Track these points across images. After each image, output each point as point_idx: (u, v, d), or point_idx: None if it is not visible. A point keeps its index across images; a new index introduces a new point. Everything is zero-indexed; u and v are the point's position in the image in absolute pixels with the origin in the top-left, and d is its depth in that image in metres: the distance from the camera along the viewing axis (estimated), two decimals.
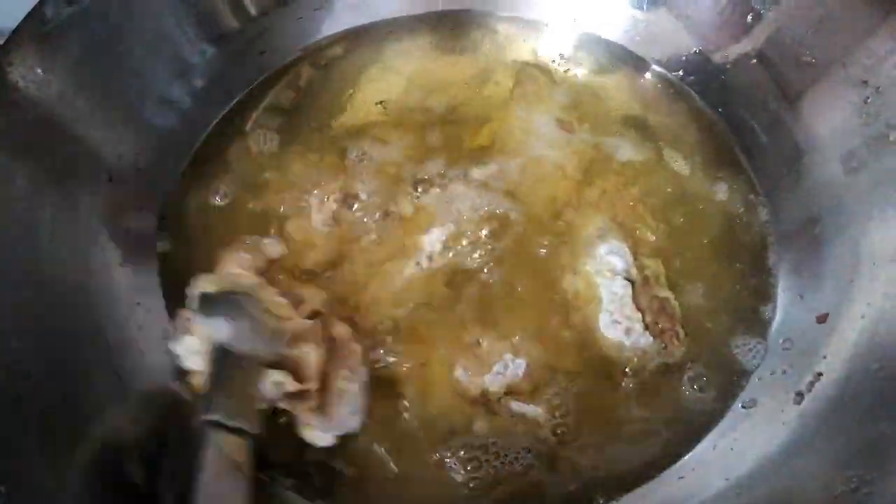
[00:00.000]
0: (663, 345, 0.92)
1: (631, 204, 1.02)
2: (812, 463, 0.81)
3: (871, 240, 0.91)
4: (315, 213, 1.02)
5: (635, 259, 0.97)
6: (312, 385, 0.81)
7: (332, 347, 0.85)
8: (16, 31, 0.85)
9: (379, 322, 0.93)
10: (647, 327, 0.92)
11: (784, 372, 0.91)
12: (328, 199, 1.02)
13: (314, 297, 0.90)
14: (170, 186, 1.04)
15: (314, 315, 0.88)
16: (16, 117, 0.85)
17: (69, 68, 0.91)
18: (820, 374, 0.88)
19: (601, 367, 0.91)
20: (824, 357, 0.89)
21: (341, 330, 0.87)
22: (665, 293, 0.95)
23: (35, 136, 0.87)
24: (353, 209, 1.02)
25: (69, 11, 0.90)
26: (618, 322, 0.92)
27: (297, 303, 0.87)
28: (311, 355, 0.81)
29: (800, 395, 0.88)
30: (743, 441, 0.87)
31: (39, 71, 0.87)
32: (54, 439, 0.75)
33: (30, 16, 0.87)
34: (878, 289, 0.88)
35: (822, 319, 0.92)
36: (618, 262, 0.96)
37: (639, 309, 0.93)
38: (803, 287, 0.96)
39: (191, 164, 1.07)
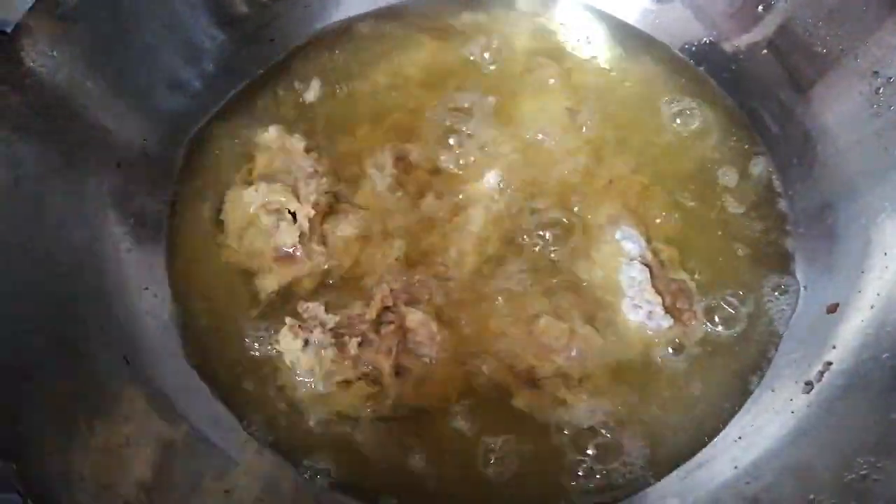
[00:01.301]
0: (683, 326, 0.92)
1: (642, 190, 1.02)
2: (821, 451, 0.81)
3: (882, 230, 0.91)
4: (378, 182, 1.02)
5: (649, 243, 0.97)
6: None
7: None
8: (29, 15, 0.85)
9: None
10: (666, 310, 0.92)
11: (794, 361, 0.91)
12: (386, 166, 1.03)
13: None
14: (180, 172, 1.04)
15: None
16: (27, 99, 0.85)
17: (81, 52, 0.91)
18: (829, 364, 0.88)
19: (631, 353, 0.92)
20: (834, 347, 0.89)
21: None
22: (681, 275, 0.96)
23: (46, 118, 0.88)
24: (409, 172, 1.04)
25: None
26: (639, 306, 0.92)
27: None
28: None
29: (809, 385, 0.87)
30: (752, 429, 0.87)
31: (51, 54, 0.87)
32: (64, 419, 0.76)
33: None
34: (888, 279, 0.88)
35: (832, 309, 0.92)
36: (632, 247, 0.96)
37: (658, 292, 0.93)
38: (815, 277, 0.96)
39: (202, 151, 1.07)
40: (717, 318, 0.94)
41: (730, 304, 0.95)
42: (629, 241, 0.96)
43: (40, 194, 0.86)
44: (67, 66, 0.90)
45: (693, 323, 0.93)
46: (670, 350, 0.92)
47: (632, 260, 0.95)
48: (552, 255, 0.97)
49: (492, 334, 0.92)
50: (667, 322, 0.92)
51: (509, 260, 0.97)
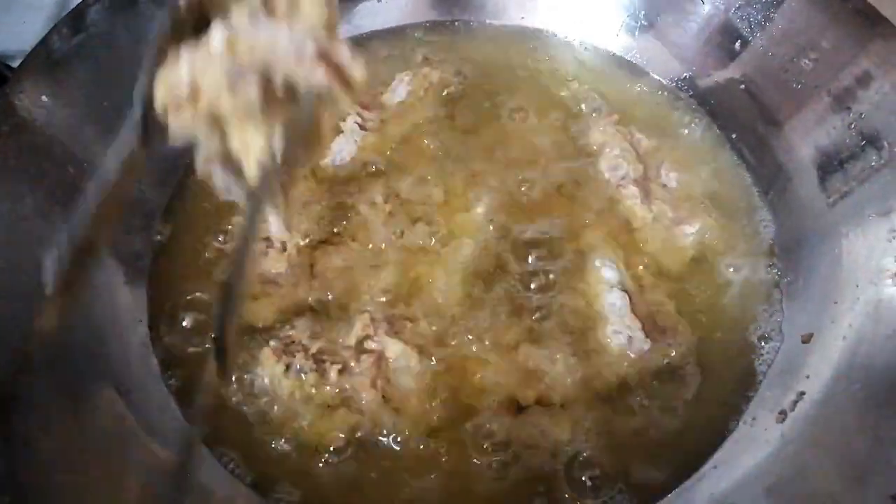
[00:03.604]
0: (667, 344, 0.94)
1: (620, 223, 1.05)
2: (792, 480, 0.82)
3: (854, 262, 0.93)
4: (369, 216, 1.05)
5: (629, 269, 1.00)
6: None
7: None
8: (25, 60, 0.89)
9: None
10: (647, 334, 0.94)
11: (769, 390, 0.93)
12: (377, 201, 1.06)
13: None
14: (173, 208, 1.08)
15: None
16: (25, 142, 0.89)
17: (76, 96, 0.95)
18: (803, 394, 0.89)
19: (611, 379, 0.93)
20: (807, 377, 0.90)
21: None
22: (660, 297, 0.98)
23: (43, 160, 0.91)
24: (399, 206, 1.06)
25: (76, 41, 0.94)
26: (619, 332, 0.94)
27: None
28: None
29: (783, 414, 0.89)
30: (728, 458, 0.89)
31: (46, 98, 0.91)
32: (57, 452, 0.78)
33: (38, 45, 0.91)
34: (860, 310, 0.90)
35: (806, 339, 0.93)
36: (611, 275, 0.98)
37: (638, 317, 0.95)
38: (789, 307, 0.98)
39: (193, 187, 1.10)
40: (699, 344, 0.96)
41: (715, 331, 0.97)
42: (608, 269, 0.99)
43: (38, 230, 0.89)
44: (65, 109, 0.94)
45: (673, 343, 0.95)
46: (652, 375, 0.93)
47: (612, 287, 0.97)
48: (534, 285, 1.00)
49: (473, 363, 0.94)
50: (647, 345, 0.93)
51: (493, 290, 0.99)
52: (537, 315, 0.97)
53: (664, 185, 1.08)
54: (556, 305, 0.98)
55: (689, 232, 1.03)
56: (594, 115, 1.16)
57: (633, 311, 0.96)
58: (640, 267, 1.01)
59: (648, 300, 0.98)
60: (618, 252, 1.01)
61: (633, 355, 0.94)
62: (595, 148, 1.11)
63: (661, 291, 1.00)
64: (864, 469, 0.77)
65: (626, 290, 0.97)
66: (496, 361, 0.94)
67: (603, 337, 0.95)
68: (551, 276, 1.00)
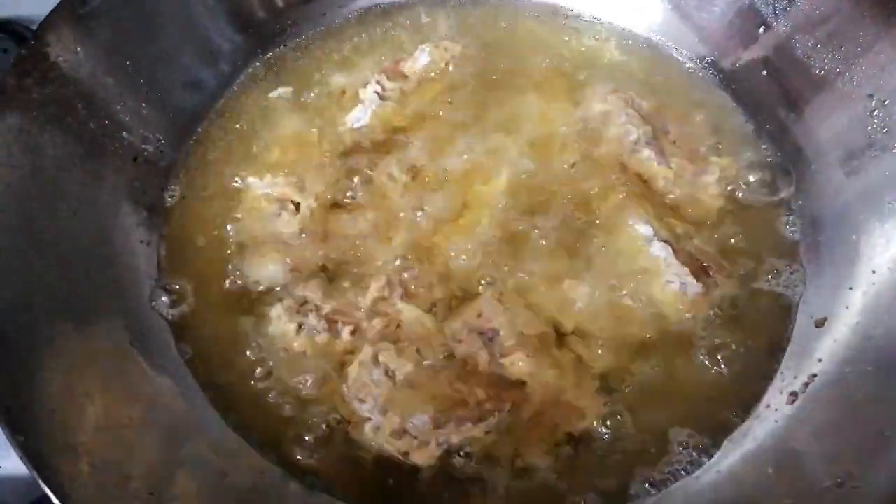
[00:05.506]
0: (714, 286, 0.95)
1: (641, 186, 1.05)
2: (801, 459, 0.83)
3: (871, 247, 0.94)
4: (387, 185, 1.05)
5: (660, 221, 1.00)
6: None
7: None
8: (54, 11, 0.89)
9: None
10: (696, 277, 0.94)
11: (781, 372, 0.93)
12: (395, 173, 1.05)
13: None
14: (191, 166, 1.08)
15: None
16: (50, 93, 0.90)
17: (102, 50, 0.96)
18: (814, 376, 0.90)
19: (669, 335, 0.94)
20: (819, 360, 0.91)
21: None
22: (696, 241, 0.99)
23: (67, 111, 0.92)
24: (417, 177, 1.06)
25: None
26: (671, 281, 0.95)
27: None
28: None
29: (794, 396, 0.89)
30: (738, 435, 0.89)
31: (75, 50, 0.92)
32: (69, 396, 0.79)
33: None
34: (874, 294, 0.91)
35: (820, 324, 0.94)
36: (646, 229, 0.98)
37: (683, 263, 0.95)
38: (804, 291, 0.98)
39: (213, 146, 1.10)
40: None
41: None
42: (642, 225, 0.98)
43: (58, 183, 0.90)
44: (90, 63, 0.94)
45: (723, 274, 0.96)
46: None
47: (650, 241, 0.97)
48: (570, 252, 0.99)
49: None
50: (699, 288, 0.94)
51: (521, 258, 0.98)
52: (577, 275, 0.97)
53: (674, 142, 1.08)
54: (593, 270, 0.98)
55: (711, 180, 1.04)
56: (595, 87, 1.15)
57: (678, 258, 0.96)
58: (672, 219, 1.01)
59: (686, 248, 0.98)
60: (647, 208, 1.01)
61: (689, 299, 0.94)
62: (600, 118, 1.11)
63: (698, 239, 1.00)
64: (875, 448, 0.78)
65: (665, 241, 0.97)
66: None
67: (659, 289, 0.95)
68: (584, 240, 1.00)
